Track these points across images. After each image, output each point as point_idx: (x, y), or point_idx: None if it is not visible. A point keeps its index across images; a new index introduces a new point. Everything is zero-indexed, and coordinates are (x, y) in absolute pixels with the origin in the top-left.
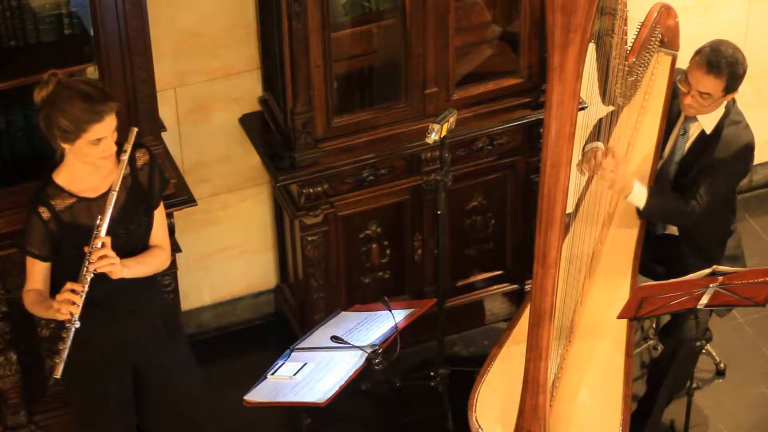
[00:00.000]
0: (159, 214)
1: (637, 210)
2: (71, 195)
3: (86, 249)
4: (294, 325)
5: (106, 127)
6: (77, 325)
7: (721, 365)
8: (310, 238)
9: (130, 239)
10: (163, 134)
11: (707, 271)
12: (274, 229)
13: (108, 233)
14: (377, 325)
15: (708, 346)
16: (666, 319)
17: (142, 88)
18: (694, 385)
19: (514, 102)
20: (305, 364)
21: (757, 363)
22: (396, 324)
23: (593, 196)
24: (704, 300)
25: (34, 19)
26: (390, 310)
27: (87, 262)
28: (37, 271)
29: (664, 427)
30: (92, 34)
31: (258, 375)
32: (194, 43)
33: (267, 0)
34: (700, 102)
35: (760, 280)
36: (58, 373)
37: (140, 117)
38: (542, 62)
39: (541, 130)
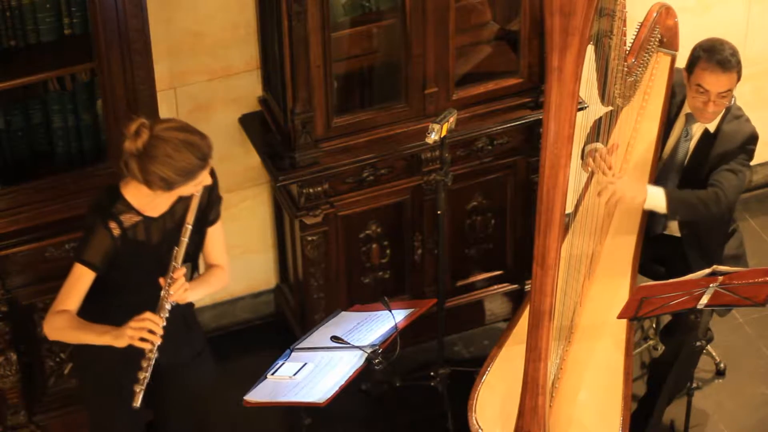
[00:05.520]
0: (216, 232)
1: (664, 215)
2: (138, 213)
3: (162, 281)
4: (294, 325)
5: (209, 167)
6: (157, 355)
7: (721, 365)
8: (310, 238)
9: (185, 255)
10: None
11: (707, 271)
12: (274, 229)
13: (165, 251)
14: (377, 325)
15: (708, 346)
16: (666, 319)
17: (142, 88)
18: (694, 385)
19: (514, 102)
20: (305, 364)
21: (757, 363)
22: (396, 324)
23: (593, 196)
24: (704, 300)
25: (34, 19)
26: (390, 310)
27: (166, 294)
28: (81, 285)
29: (664, 427)
30: (92, 34)
31: (258, 375)
32: (194, 43)
33: (267, 0)
34: (722, 103)
35: (760, 280)
36: (137, 401)
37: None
38: (542, 62)
39: (541, 130)
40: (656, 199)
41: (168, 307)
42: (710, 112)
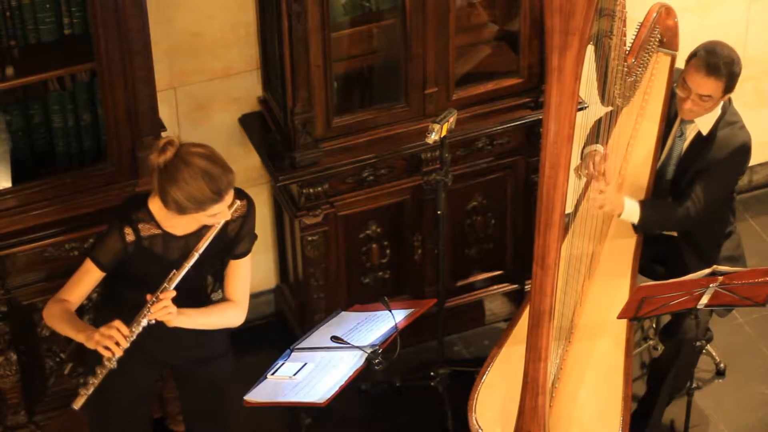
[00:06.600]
0: (239, 267)
1: (633, 226)
2: (158, 227)
3: (149, 297)
4: (294, 325)
5: (225, 203)
6: (114, 365)
7: (721, 365)
8: (310, 238)
9: (198, 281)
10: (163, 134)
11: (707, 271)
12: (274, 229)
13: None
14: (377, 325)
15: (708, 346)
16: (666, 319)
17: (142, 88)
18: (694, 385)
19: (514, 102)
20: (305, 364)
21: (757, 363)
22: (396, 324)
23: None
24: (704, 300)
25: (34, 19)
26: (390, 310)
27: (147, 311)
28: (88, 280)
29: (664, 427)
30: (92, 34)
31: (258, 375)
32: (194, 43)
33: (267, 0)
34: (701, 105)
35: (760, 280)
36: (78, 404)
37: (140, 117)
38: (542, 62)
39: (541, 130)
40: (631, 215)
41: (144, 323)
42: (686, 108)
